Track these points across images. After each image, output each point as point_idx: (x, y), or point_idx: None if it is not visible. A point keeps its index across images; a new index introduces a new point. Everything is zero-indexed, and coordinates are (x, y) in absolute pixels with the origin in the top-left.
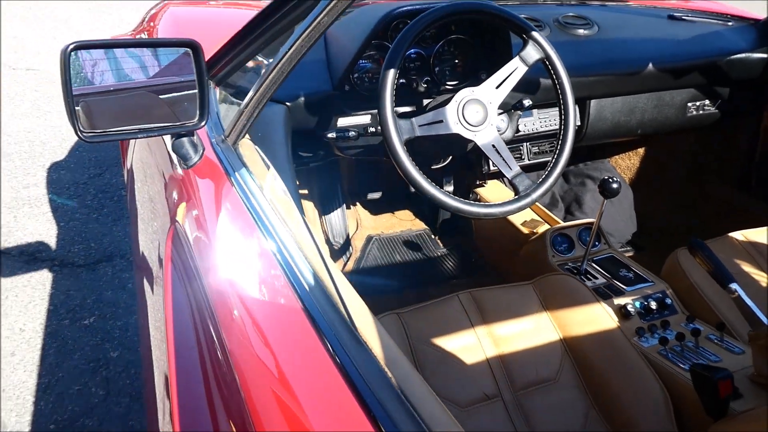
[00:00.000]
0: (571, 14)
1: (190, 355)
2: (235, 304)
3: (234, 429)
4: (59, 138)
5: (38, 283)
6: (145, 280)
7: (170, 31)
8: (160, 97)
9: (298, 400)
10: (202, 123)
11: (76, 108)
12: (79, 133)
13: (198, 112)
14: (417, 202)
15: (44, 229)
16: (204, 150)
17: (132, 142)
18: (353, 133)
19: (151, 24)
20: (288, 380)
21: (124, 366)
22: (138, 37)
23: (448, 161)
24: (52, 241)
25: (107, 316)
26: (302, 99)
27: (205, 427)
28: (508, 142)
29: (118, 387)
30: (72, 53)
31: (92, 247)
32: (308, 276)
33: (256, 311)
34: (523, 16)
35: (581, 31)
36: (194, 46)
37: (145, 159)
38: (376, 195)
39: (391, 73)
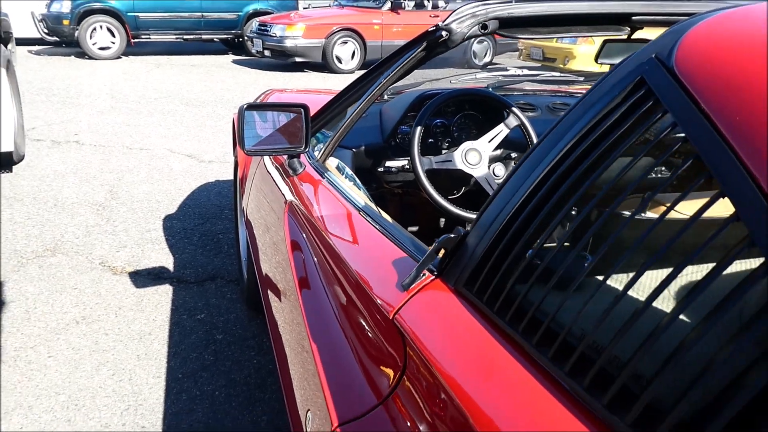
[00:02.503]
0: (559, 102)
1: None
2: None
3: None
4: (169, 198)
5: (163, 293)
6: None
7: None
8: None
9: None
10: (306, 148)
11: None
12: (243, 146)
13: (304, 143)
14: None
15: (164, 260)
16: (305, 167)
17: (248, 184)
18: (395, 169)
19: (263, 101)
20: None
21: (227, 343)
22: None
23: (461, 192)
24: (170, 267)
25: (213, 314)
26: (363, 148)
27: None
28: None
29: (223, 356)
30: (246, 110)
31: (200, 271)
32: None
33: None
34: (522, 102)
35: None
36: (305, 107)
37: (261, 189)
38: (414, 228)
39: (418, 130)
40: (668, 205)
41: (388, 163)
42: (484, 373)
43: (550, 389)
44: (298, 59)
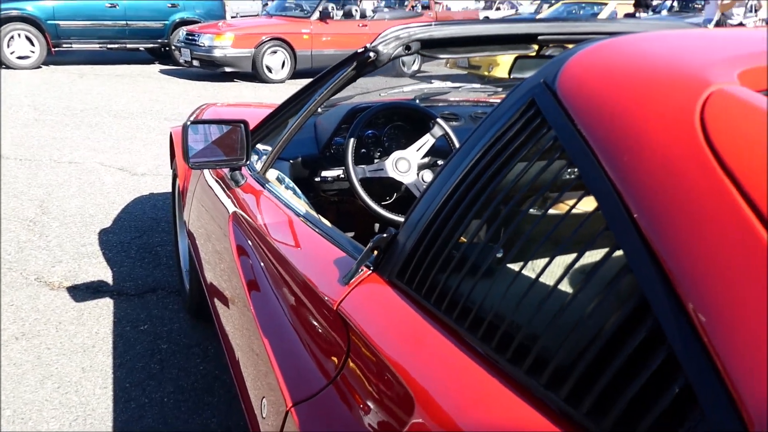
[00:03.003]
0: (480, 111)
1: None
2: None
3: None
4: (103, 212)
5: (104, 306)
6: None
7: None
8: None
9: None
10: (246, 162)
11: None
12: (187, 161)
13: (245, 156)
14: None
15: (102, 274)
16: (246, 179)
17: (189, 196)
18: (331, 178)
19: (200, 116)
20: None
21: (172, 352)
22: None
23: (393, 198)
24: (109, 280)
25: (156, 324)
26: (300, 159)
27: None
28: None
29: (169, 364)
30: (189, 126)
31: (140, 284)
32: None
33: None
34: (446, 113)
35: None
36: (245, 122)
37: (203, 201)
38: (351, 233)
39: (351, 141)
40: (560, 200)
41: (325, 173)
42: (416, 349)
43: (472, 357)
44: (227, 69)
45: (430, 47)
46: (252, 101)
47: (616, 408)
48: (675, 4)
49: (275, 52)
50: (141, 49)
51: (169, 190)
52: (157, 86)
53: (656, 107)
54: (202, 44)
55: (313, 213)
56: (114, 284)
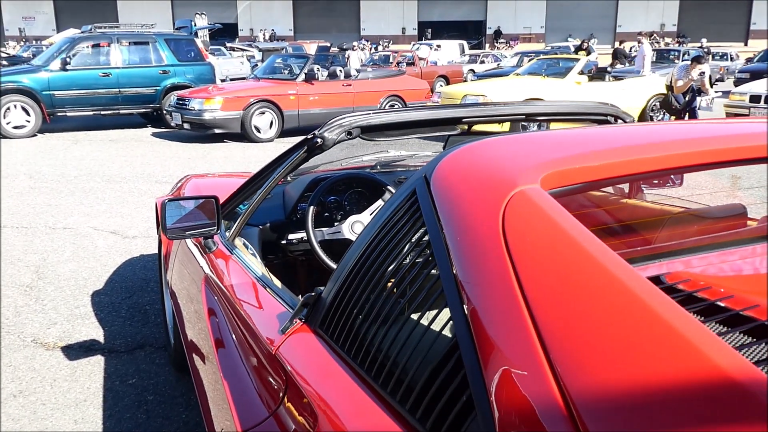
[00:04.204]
0: None
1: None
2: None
3: None
4: (96, 275)
5: (96, 363)
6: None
7: (193, 191)
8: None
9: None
10: (217, 231)
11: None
12: (165, 232)
13: (216, 226)
14: None
15: (94, 333)
16: (218, 245)
17: (171, 259)
18: (296, 240)
19: (182, 189)
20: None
21: (158, 403)
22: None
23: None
24: (101, 339)
25: (144, 378)
26: (268, 224)
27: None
28: None
29: (155, 413)
30: (167, 203)
31: (129, 341)
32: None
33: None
34: (402, 177)
35: None
36: (216, 198)
37: (183, 265)
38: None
39: (311, 209)
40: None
41: (291, 236)
42: (330, 389)
43: (370, 394)
44: (217, 131)
45: (368, 132)
46: (241, 160)
47: (435, 411)
48: (653, 55)
49: (263, 112)
50: (134, 113)
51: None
52: (149, 150)
53: (480, 203)
54: (193, 108)
55: (268, 274)
56: (105, 342)
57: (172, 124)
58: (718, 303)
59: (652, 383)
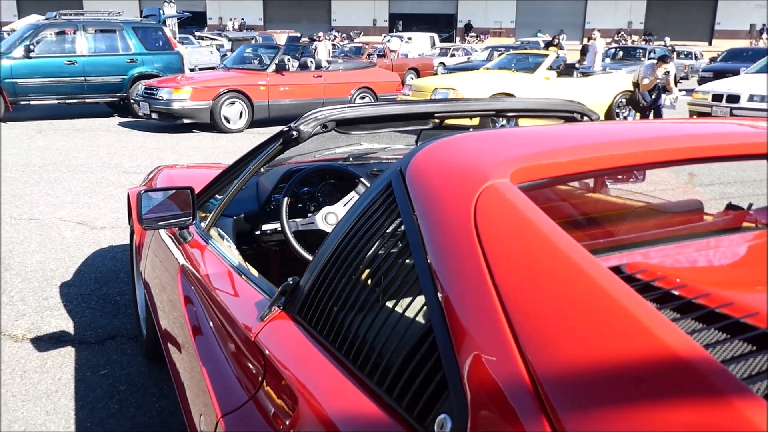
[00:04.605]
0: None
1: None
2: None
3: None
4: (64, 266)
5: (66, 354)
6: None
7: (166, 182)
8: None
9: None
10: (192, 221)
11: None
12: (141, 223)
13: (191, 217)
14: None
15: (64, 324)
16: (193, 236)
17: (145, 250)
18: (269, 231)
19: (154, 180)
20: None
21: (130, 393)
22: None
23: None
24: (71, 330)
25: (116, 368)
26: (242, 215)
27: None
28: None
29: (128, 403)
30: (143, 194)
31: (100, 332)
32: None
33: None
34: (375, 170)
35: None
36: (191, 189)
37: (157, 255)
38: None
39: (285, 200)
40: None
41: (264, 227)
42: (309, 372)
43: (348, 377)
44: (186, 120)
45: (343, 125)
46: (211, 151)
47: (410, 391)
48: (620, 53)
49: (233, 103)
50: (100, 102)
51: (127, 242)
52: (116, 139)
53: (453, 196)
54: (161, 98)
55: (245, 264)
56: (75, 333)
57: (140, 114)
58: (673, 292)
59: (609, 362)
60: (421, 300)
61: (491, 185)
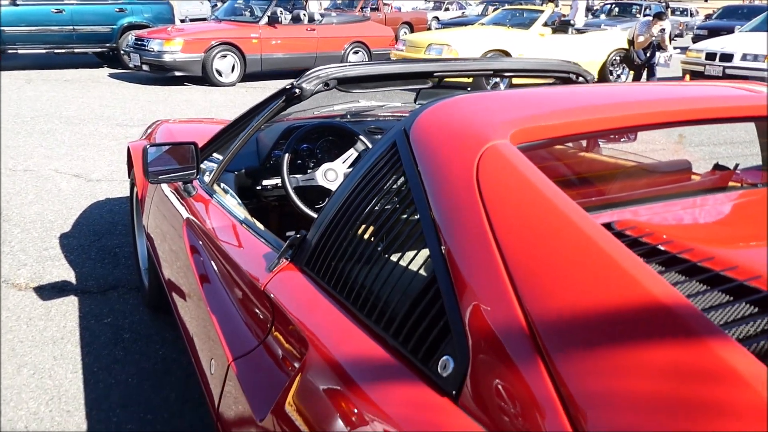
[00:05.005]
0: None
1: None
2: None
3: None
4: (62, 218)
5: (69, 303)
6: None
7: (166, 137)
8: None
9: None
10: (196, 176)
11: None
12: (147, 177)
13: (195, 171)
14: None
15: (65, 274)
16: (197, 190)
17: (147, 203)
18: (270, 186)
19: (154, 134)
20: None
21: (134, 340)
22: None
23: (325, 202)
24: (73, 280)
25: (118, 317)
26: (243, 170)
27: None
28: None
29: (132, 350)
30: (149, 148)
31: (101, 282)
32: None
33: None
34: (372, 127)
35: None
36: (195, 144)
37: (160, 208)
38: (292, 232)
39: (286, 156)
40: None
41: (265, 182)
42: (314, 314)
43: (354, 323)
44: (177, 73)
45: (344, 83)
46: (203, 105)
47: (415, 335)
48: (616, 8)
49: (225, 56)
50: (89, 53)
51: (124, 194)
52: (107, 91)
53: (456, 155)
54: (152, 49)
55: (250, 218)
56: (77, 283)
57: (130, 65)
58: (659, 247)
59: (598, 308)
60: (425, 252)
61: (492, 146)
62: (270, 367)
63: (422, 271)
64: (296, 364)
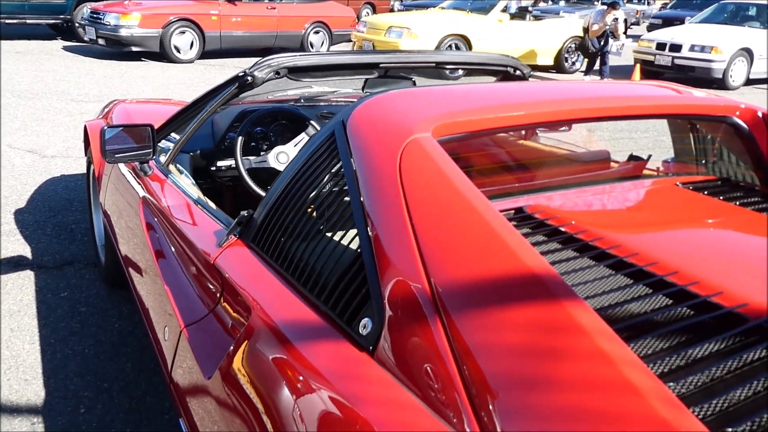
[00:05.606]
0: None
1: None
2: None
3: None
4: (17, 194)
5: (26, 278)
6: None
7: (123, 117)
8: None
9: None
10: (152, 156)
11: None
12: (105, 156)
13: (151, 152)
14: None
15: (21, 249)
16: (153, 170)
17: (104, 181)
18: (224, 167)
19: (111, 113)
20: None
21: (90, 314)
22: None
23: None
24: (28, 255)
25: (75, 292)
26: (198, 151)
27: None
28: None
29: (89, 323)
30: (106, 129)
31: (57, 258)
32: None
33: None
34: (325, 111)
35: None
36: (151, 126)
37: (117, 187)
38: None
39: (239, 139)
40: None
41: (219, 163)
42: (258, 285)
43: (293, 292)
44: (134, 48)
45: (295, 72)
46: (161, 81)
47: (341, 302)
48: None
49: (183, 32)
50: (42, 24)
51: (80, 171)
52: (61, 65)
53: (383, 147)
54: (108, 23)
55: (203, 197)
56: (33, 258)
57: (86, 39)
58: (560, 228)
59: (484, 277)
60: (354, 232)
61: (414, 139)
62: (218, 332)
63: (351, 248)
64: (242, 329)
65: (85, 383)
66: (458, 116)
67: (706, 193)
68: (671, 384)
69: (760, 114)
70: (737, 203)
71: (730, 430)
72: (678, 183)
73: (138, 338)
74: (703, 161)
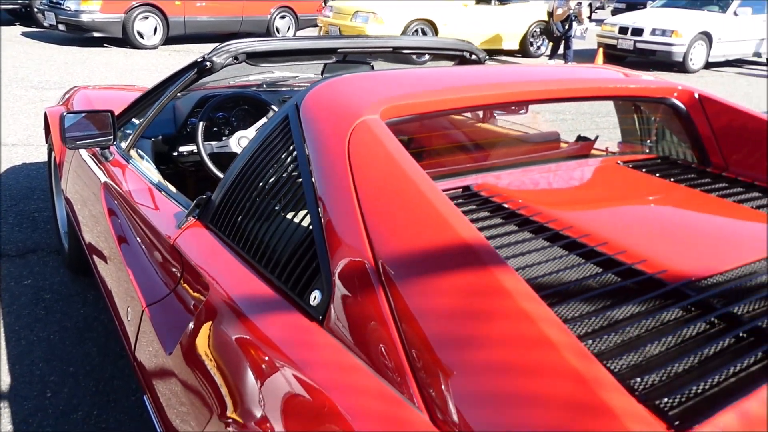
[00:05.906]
0: None
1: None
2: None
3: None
4: None
5: None
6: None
7: (84, 103)
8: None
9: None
10: (113, 142)
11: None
12: (65, 143)
13: (112, 138)
14: None
15: None
16: (114, 155)
17: (66, 168)
18: (186, 153)
19: (72, 100)
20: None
21: (55, 300)
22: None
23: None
24: None
25: (39, 279)
26: (160, 137)
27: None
28: None
29: (53, 310)
30: (66, 115)
31: (20, 246)
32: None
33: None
34: (287, 96)
35: None
36: (112, 112)
37: (79, 173)
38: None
39: (200, 124)
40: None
41: (181, 148)
42: (216, 264)
43: (248, 269)
44: (96, 34)
45: (253, 57)
46: (124, 68)
47: (293, 276)
48: None
49: (146, 17)
50: (0, 10)
51: (41, 159)
52: (20, 51)
53: (333, 129)
54: (68, 8)
55: (164, 181)
56: None
57: (45, 24)
58: (503, 205)
59: (423, 248)
60: (305, 211)
61: (363, 121)
62: (178, 310)
63: (302, 225)
64: (201, 306)
65: (51, 368)
66: (406, 99)
67: (644, 171)
68: (590, 341)
69: (696, 95)
70: (673, 180)
71: (638, 379)
72: (619, 162)
73: (103, 323)
74: (647, 141)
